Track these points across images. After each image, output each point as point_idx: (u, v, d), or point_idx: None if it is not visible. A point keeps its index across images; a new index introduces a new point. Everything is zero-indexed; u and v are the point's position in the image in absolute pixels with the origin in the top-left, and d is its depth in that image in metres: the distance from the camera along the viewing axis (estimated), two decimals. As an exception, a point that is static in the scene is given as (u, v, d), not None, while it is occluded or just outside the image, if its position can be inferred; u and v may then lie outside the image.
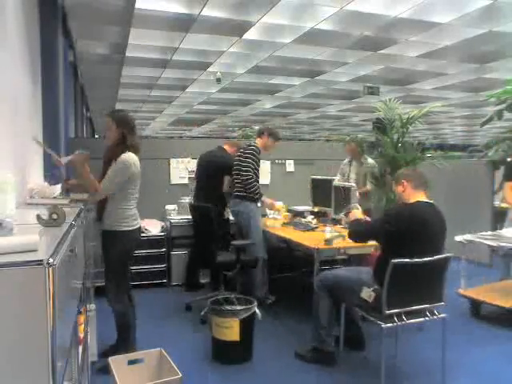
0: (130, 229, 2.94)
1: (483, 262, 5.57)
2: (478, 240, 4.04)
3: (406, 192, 2.81)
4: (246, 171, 4.19)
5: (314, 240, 3.56)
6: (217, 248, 4.01)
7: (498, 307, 3.87)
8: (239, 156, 4.32)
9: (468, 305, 4.12)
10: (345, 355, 3.13)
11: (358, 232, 2.99)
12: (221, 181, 4.58)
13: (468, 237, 4.10)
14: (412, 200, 2.78)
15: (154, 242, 4.93)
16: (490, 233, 4.53)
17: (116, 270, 2.97)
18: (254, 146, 4.28)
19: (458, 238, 4.08)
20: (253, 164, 4.20)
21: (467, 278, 4.12)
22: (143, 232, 4.81)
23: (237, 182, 4.31)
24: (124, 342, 2.98)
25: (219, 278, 4.19)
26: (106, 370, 2.55)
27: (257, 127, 15.45)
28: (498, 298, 3.92)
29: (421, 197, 2.78)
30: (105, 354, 2.86)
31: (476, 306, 4.07)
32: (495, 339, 3.58)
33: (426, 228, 2.67)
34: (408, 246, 2.64)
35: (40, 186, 2.70)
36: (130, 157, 2.87)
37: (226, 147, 4.72)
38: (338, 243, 3.47)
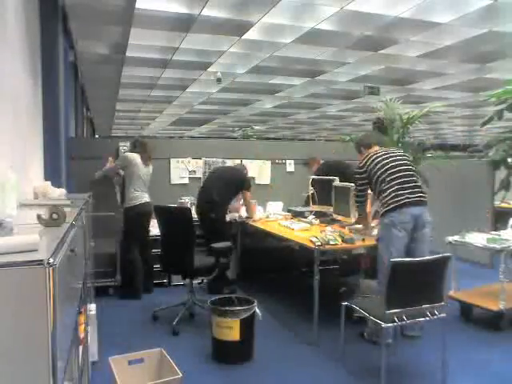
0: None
1: (482, 262, 5.56)
2: (469, 241, 3.90)
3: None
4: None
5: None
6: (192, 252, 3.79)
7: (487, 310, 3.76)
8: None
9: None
10: (345, 354, 3.12)
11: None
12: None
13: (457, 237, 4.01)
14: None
15: (154, 242, 4.93)
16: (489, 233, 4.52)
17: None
18: None
19: (450, 239, 3.99)
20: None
21: (467, 279, 4.11)
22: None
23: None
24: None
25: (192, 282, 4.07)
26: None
27: (257, 127, 15.44)
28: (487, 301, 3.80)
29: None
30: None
31: (466, 309, 3.96)
32: (495, 340, 3.58)
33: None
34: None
35: (43, 185, 2.70)
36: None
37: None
38: (334, 245, 3.45)
